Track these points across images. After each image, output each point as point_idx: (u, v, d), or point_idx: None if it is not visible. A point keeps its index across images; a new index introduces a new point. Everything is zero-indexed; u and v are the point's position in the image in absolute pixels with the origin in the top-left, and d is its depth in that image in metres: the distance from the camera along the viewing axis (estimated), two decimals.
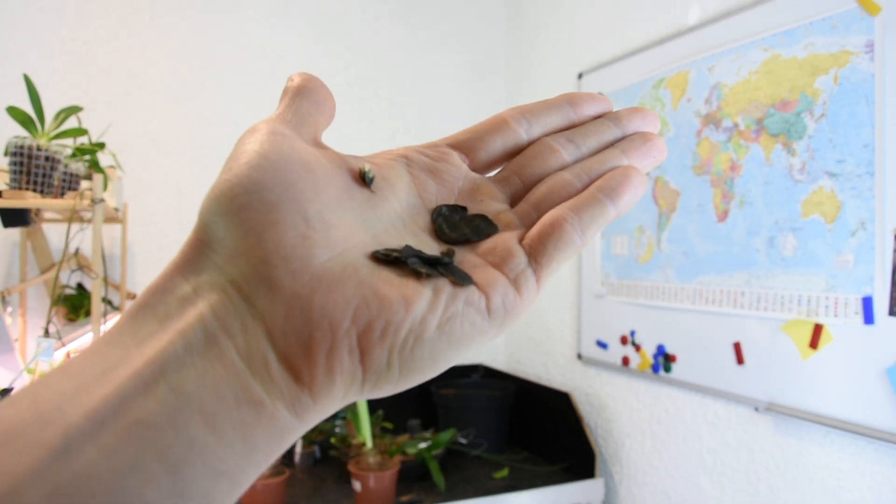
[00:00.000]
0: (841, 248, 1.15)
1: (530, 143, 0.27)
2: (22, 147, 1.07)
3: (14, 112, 1.08)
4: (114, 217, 1.52)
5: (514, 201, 0.26)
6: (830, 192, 1.17)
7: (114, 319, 1.62)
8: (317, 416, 0.20)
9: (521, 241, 0.23)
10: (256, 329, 0.19)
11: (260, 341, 0.19)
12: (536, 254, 0.22)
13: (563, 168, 0.26)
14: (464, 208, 0.24)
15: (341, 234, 0.20)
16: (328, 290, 0.19)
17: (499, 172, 0.27)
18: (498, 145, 0.27)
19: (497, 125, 0.27)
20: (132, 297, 1.76)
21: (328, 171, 0.22)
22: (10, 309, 1.54)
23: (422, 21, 2.17)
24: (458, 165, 0.26)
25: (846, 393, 1.14)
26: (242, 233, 0.19)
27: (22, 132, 1.13)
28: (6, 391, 0.92)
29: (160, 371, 0.17)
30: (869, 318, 1.10)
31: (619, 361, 1.68)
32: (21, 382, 1.02)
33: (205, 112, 1.86)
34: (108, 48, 1.75)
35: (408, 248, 0.21)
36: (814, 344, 1.20)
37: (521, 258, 0.22)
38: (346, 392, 0.20)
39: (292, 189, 0.20)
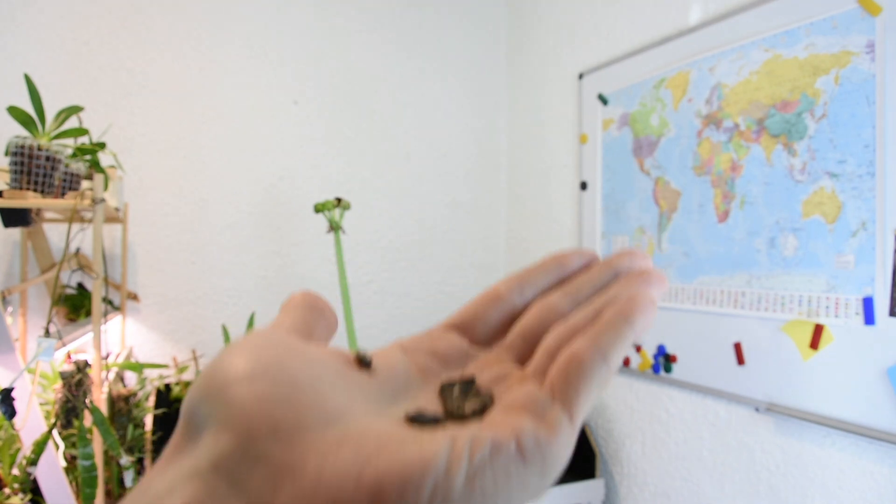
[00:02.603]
0: (842, 249, 1.15)
1: (526, 308, 0.27)
2: (23, 147, 1.07)
3: (15, 112, 1.07)
4: (114, 217, 1.52)
5: (523, 363, 0.25)
6: (831, 192, 1.17)
7: (115, 319, 1.62)
8: None
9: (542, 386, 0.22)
10: None
11: None
12: (561, 390, 0.21)
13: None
14: (472, 379, 0.23)
15: (338, 406, 0.18)
16: (324, 457, 0.17)
17: (502, 340, 0.26)
18: (494, 316, 0.26)
19: (490, 299, 0.27)
20: (132, 296, 1.76)
21: (321, 354, 0.21)
22: (10, 308, 1.54)
23: (423, 21, 2.17)
24: (458, 343, 0.25)
25: (847, 393, 1.14)
26: (225, 408, 0.17)
27: (23, 132, 1.13)
28: (7, 391, 0.92)
29: None
30: (869, 318, 1.10)
31: (620, 363, 1.68)
32: (21, 382, 1.01)
33: (205, 112, 1.86)
34: (109, 48, 1.75)
35: (418, 409, 0.20)
36: (814, 344, 1.20)
37: (545, 399, 0.21)
38: None
39: (280, 362, 0.18)
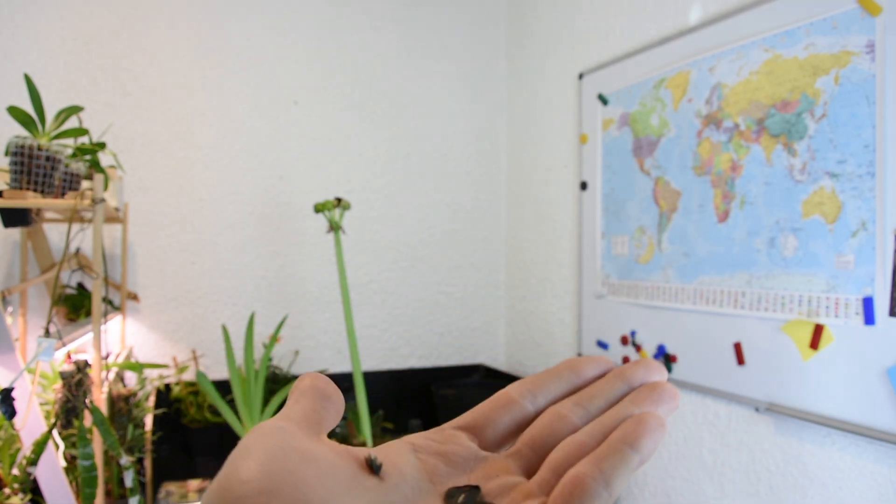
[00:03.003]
0: (842, 249, 1.15)
1: (538, 414, 0.27)
2: (23, 147, 1.07)
3: (15, 112, 1.07)
4: (114, 217, 1.52)
5: (529, 474, 0.25)
6: (831, 192, 1.17)
7: (115, 319, 1.62)
8: None
9: None
10: None
11: None
12: None
13: (574, 432, 0.25)
14: (477, 488, 0.23)
15: None
16: None
17: (510, 447, 0.27)
18: (505, 421, 0.27)
19: (502, 403, 0.27)
20: (132, 296, 1.76)
21: (332, 461, 0.21)
22: (10, 308, 1.54)
23: (422, 21, 2.17)
24: (467, 446, 0.26)
25: (847, 393, 1.14)
26: None
27: (23, 132, 1.13)
28: (7, 391, 0.92)
29: None
30: (870, 318, 1.10)
31: (619, 361, 1.68)
32: (21, 382, 1.01)
33: (205, 112, 1.86)
34: (109, 48, 1.75)
35: None
36: (814, 344, 1.20)
37: None
38: None
39: (291, 477, 0.19)
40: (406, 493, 0.22)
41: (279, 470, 0.19)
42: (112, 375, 1.43)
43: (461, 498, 0.23)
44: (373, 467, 0.22)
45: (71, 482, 1.13)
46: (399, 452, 0.24)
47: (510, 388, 0.28)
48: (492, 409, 0.27)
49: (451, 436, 0.26)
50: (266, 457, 0.19)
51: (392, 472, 0.22)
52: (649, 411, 0.25)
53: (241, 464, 0.19)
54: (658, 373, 0.27)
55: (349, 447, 0.23)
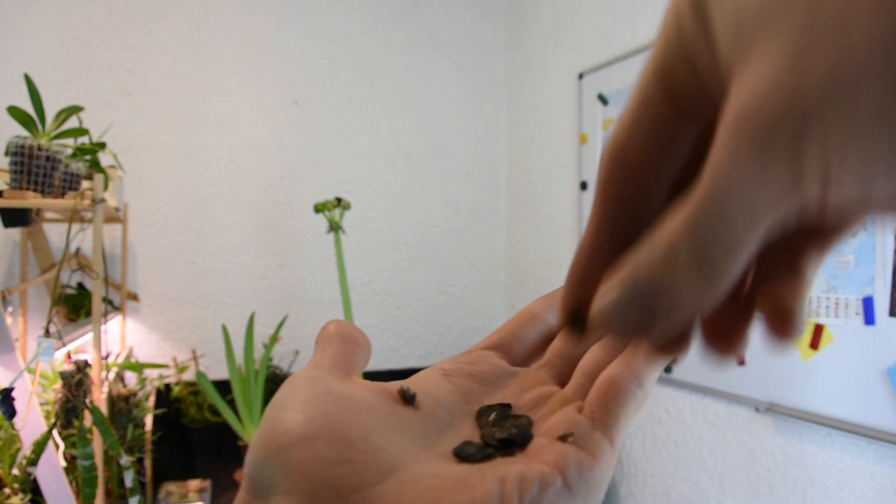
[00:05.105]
0: (841, 249, 1.15)
1: (562, 326, 0.27)
2: (23, 147, 1.07)
3: (15, 112, 1.07)
4: (114, 217, 1.52)
5: (562, 382, 0.26)
6: None
7: (115, 319, 1.62)
8: None
9: (580, 410, 0.23)
10: None
11: None
12: (600, 415, 0.22)
13: None
14: (508, 405, 0.24)
15: (392, 455, 0.20)
16: None
17: (540, 359, 0.27)
18: (531, 336, 0.27)
19: (526, 318, 0.27)
20: (132, 296, 1.76)
21: (367, 398, 0.22)
22: (10, 309, 1.54)
23: (422, 21, 2.17)
24: (497, 363, 0.26)
25: (847, 393, 1.15)
26: (287, 473, 0.19)
27: (23, 132, 1.13)
28: (7, 391, 0.92)
29: None
30: (870, 318, 1.11)
31: None
32: (21, 382, 1.01)
33: (205, 112, 1.86)
34: (108, 48, 1.75)
35: (465, 443, 0.21)
36: (814, 344, 1.20)
37: (584, 425, 0.22)
38: None
39: (330, 419, 0.20)
40: (442, 417, 0.23)
41: (317, 415, 0.20)
42: (112, 375, 1.43)
43: (492, 416, 0.23)
44: (406, 398, 0.23)
45: (71, 482, 1.13)
46: (431, 379, 0.24)
47: (532, 305, 0.28)
48: (517, 326, 0.27)
49: (480, 356, 0.26)
50: (303, 405, 0.20)
51: (426, 401, 0.23)
52: None
53: (280, 415, 0.20)
54: None
55: (381, 383, 0.23)
